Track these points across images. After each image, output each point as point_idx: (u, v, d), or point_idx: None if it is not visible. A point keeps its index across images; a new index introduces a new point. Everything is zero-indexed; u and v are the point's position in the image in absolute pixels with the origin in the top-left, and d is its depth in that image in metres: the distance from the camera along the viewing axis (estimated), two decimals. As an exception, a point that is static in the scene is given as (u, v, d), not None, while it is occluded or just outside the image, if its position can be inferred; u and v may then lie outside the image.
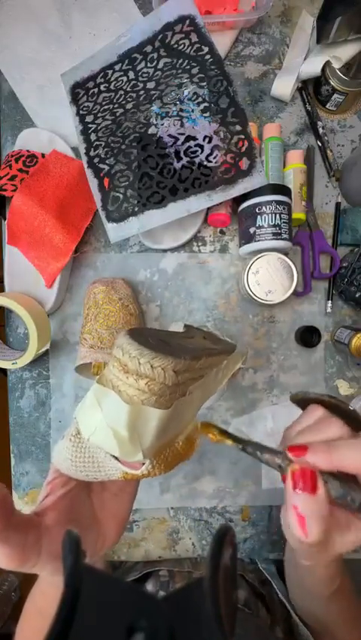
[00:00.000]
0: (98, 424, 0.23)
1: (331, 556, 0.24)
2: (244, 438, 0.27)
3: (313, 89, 0.55)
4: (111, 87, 0.51)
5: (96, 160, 0.50)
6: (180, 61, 0.48)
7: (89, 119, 0.51)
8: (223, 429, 0.28)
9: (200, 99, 0.46)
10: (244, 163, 0.46)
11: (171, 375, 0.23)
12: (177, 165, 0.46)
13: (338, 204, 0.55)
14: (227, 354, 0.33)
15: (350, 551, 0.24)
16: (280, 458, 0.24)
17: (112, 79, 0.51)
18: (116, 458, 0.24)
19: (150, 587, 0.51)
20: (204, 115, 0.46)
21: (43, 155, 0.52)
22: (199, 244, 0.56)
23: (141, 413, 0.23)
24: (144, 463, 0.24)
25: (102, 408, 0.23)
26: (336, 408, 0.27)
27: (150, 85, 0.49)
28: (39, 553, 0.22)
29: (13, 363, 0.49)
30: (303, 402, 0.29)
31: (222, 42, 0.54)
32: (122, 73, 0.51)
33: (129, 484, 0.29)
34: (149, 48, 0.49)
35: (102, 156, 0.49)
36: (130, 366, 0.23)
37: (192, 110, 0.46)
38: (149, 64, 0.49)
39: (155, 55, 0.49)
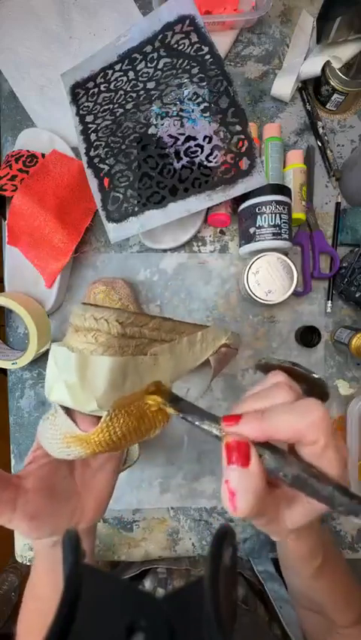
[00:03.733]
0: (55, 379, 0.25)
1: (285, 530, 0.23)
2: (188, 402, 0.25)
3: (313, 89, 0.55)
4: (111, 87, 0.51)
5: (96, 160, 0.50)
6: (180, 61, 0.48)
7: (89, 119, 0.51)
8: (172, 394, 0.26)
9: (200, 99, 0.46)
10: (244, 163, 0.46)
11: (114, 325, 0.24)
12: (177, 165, 0.46)
13: (338, 204, 0.55)
14: (200, 328, 0.33)
15: (304, 523, 0.22)
16: (218, 428, 0.22)
17: (112, 79, 0.51)
18: (76, 424, 0.25)
19: (147, 583, 0.51)
20: (204, 115, 0.46)
21: (43, 155, 0.52)
22: (199, 244, 0.56)
23: (90, 362, 0.24)
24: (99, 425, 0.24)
25: (57, 364, 0.25)
26: (302, 377, 0.25)
27: (150, 85, 0.49)
28: (13, 509, 0.25)
29: (13, 363, 0.49)
30: (267, 368, 0.26)
31: (222, 42, 0.54)
32: (122, 73, 0.51)
33: (109, 460, 0.31)
34: (149, 48, 0.49)
35: (102, 156, 0.49)
36: (78, 323, 0.25)
37: (192, 110, 0.46)
38: (149, 64, 0.49)
39: (155, 55, 0.49)
